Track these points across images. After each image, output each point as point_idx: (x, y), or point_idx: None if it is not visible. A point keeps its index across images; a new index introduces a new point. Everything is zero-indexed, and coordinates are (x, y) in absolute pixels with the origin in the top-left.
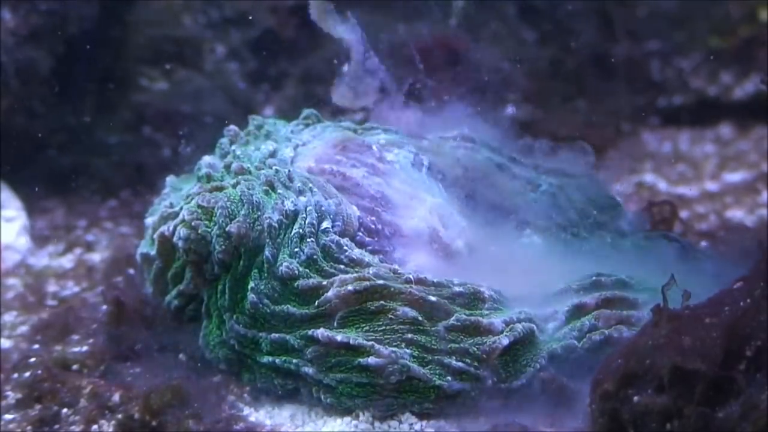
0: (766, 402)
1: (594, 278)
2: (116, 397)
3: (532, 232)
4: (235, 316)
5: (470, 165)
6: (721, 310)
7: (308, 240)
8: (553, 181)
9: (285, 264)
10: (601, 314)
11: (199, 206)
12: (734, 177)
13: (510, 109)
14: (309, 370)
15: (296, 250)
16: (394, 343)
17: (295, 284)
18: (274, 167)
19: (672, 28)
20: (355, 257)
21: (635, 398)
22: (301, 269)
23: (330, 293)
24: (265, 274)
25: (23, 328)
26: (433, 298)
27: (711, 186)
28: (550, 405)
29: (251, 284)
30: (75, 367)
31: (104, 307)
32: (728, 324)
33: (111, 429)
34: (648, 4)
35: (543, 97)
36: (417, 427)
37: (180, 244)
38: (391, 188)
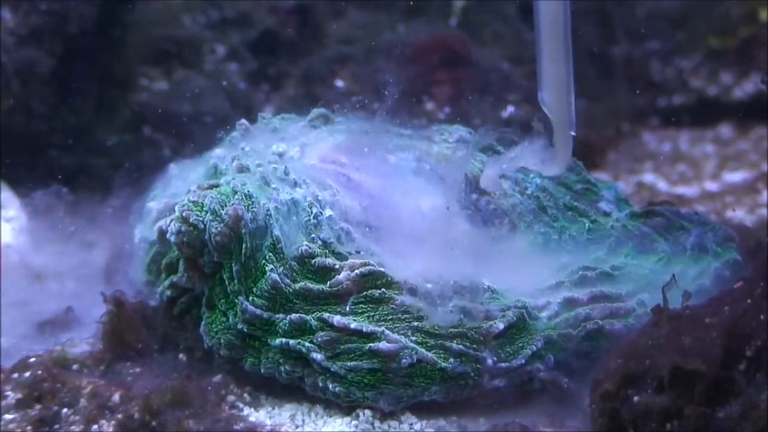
0: (766, 402)
1: (581, 273)
2: (116, 397)
3: (521, 234)
4: (250, 298)
5: (468, 169)
6: (721, 310)
7: (323, 227)
8: (538, 181)
9: (305, 244)
10: (595, 306)
11: (191, 201)
12: (734, 177)
13: (510, 109)
14: (317, 356)
15: (312, 236)
16: (402, 331)
17: (312, 261)
18: (271, 165)
19: (672, 28)
20: (361, 246)
21: (635, 398)
22: (319, 250)
23: (341, 276)
24: (281, 255)
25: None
26: (430, 286)
27: (711, 186)
28: (550, 403)
29: (269, 266)
30: (75, 367)
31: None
32: (728, 324)
33: (111, 429)
34: (648, 4)
35: None
36: (417, 427)
37: (173, 239)
38: (393, 190)
